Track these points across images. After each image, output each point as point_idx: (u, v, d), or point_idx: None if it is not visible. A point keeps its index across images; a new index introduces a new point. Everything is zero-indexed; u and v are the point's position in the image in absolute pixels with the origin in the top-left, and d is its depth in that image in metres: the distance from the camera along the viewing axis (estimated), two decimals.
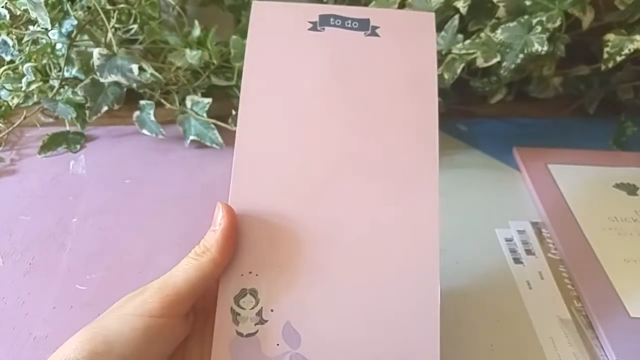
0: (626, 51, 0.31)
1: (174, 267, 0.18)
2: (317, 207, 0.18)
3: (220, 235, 0.18)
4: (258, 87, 0.20)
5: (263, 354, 0.17)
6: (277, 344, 0.17)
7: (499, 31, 0.31)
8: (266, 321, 0.17)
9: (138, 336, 0.15)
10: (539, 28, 0.30)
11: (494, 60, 0.32)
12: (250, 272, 0.18)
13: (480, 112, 0.40)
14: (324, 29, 0.20)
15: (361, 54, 0.20)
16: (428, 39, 0.20)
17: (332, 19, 0.20)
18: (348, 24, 0.20)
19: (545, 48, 0.30)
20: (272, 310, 0.18)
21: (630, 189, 0.32)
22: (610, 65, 0.31)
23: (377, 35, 0.20)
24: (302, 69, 0.20)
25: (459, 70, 0.33)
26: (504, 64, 0.31)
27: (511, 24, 0.31)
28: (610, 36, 0.32)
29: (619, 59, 0.31)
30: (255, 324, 0.17)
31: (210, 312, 0.18)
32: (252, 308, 0.18)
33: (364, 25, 0.20)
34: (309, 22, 0.20)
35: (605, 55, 0.31)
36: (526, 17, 0.31)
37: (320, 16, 0.20)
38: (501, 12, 0.32)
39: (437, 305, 0.18)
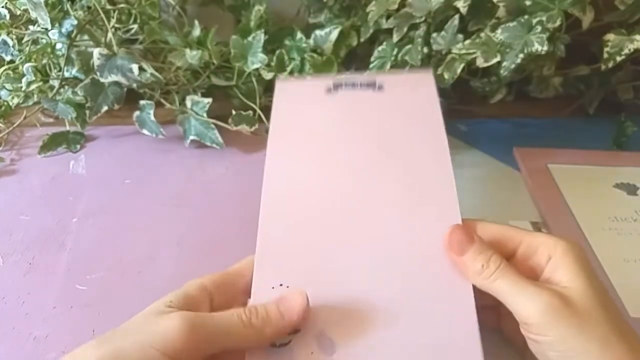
0: (626, 51, 0.31)
1: (219, 313, 0.17)
2: (346, 220, 0.20)
3: (284, 325, 0.17)
4: (283, 143, 0.22)
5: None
6: (312, 352, 0.17)
7: (499, 31, 0.31)
8: (299, 330, 0.18)
9: None
10: (539, 28, 0.30)
11: (494, 60, 0.32)
12: (281, 285, 0.18)
13: (480, 112, 0.40)
14: (337, 91, 0.24)
15: (371, 105, 0.23)
16: (430, 90, 0.23)
17: (344, 84, 0.24)
18: (357, 86, 0.24)
19: (545, 48, 0.30)
20: (304, 319, 0.18)
21: (630, 189, 0.32)
22: (610, 65, 0.31)
23: (383, 91, 0.24)
24: (322, 123, 0.23)
25: (458, 70, 0.33)
26: (504, 63, 0.31)
27: (511, 24, 0.31)
28: (610, 36, 0.32)
29: (619, 59, 0.31)
30: (289, 334, 0.17)
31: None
32: None
33: (371, 85, 0.24)
34: (325, 89, 0.24)
35: (605, 55, 0.31)
36: (526, 17, 0.31)
37: (334, 83, 0.24)
38: (501, 12, 0.32)
39: (473, 305, 0.18)
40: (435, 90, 0.23)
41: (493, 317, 0.21)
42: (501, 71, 0.32)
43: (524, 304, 0.17)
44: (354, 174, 0.21)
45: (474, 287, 0.19)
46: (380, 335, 0.17)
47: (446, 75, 0.33)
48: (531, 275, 0.18)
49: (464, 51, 0.32)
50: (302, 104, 0.24)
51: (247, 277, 0.19)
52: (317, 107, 0.23)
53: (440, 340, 0.17)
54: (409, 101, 0.23)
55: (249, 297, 0.18)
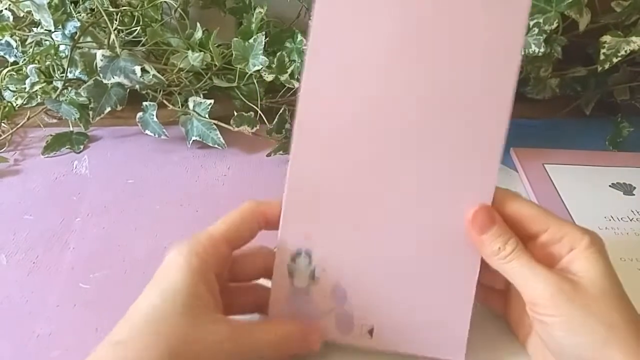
0: (622, 53, 0.31)
1: (260, 329, 0.18)
2: (374, 180, 0.19)
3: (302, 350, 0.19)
4: (324, 53, 0.18)
5: (313, 306, 0.19)
6: (326, 300, 0.19)
7: None
8: (318, 279, 0.19)
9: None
10: (536, 30, 0.31)
11: None
12: (307, 235, 0.19)
13: None
14: None
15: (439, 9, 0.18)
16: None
17: None
18: None
19: (542, 50, 0.30)
20: (324, 270, 0.19)
21: (627, 189, 0.32)
22: (607, 66, 0.32)
23: None
24: (372, 30, 0.18)
25: None
26: None
27: None
28: (607, 38, 0.32)
29: (615, 60, 0.31)
30: (308, 280, 0.19)
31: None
32: (307, 267, 0.19)
33: None
34: None
35: (602, 57, 0.32)
36: None
37: None
38: None
39: (475, 282, 0.19)
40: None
41: (501, 302, 0.21)
42: None
43: (534, 285, 0.17)
44: (398, 109, 0.18)
45: (482, 268, 0.20)
46: (386, 290, 0.19)
47: None
48: (548, 261, 0.18)
49: None
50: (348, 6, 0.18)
51: (238, 237, 0.19)
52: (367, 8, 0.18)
53: (435, 308, 0.19)
54: (488, 11, 0.17)
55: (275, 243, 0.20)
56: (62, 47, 0.36)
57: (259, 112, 0.36)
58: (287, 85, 0.37)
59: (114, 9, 0.36)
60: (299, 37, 0.38)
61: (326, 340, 0.20)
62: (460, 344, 0.19)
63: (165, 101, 0.37)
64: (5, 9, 0.36)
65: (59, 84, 0.36)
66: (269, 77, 0.36)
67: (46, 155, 0.36)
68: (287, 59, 0.36)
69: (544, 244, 0.19)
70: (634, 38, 0.31)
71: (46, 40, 0.36)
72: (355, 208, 0.19)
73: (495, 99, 0.18)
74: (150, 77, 0.34)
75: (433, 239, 0.19)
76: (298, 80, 0.36)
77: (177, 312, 0.16)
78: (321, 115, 0.19)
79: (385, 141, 0.19)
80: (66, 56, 0.35)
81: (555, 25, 0.31)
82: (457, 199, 0.19)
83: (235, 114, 0.36)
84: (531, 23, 0.31)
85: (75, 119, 0.36)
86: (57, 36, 0.36)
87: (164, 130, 0.36)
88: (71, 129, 0.37)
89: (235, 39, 0.36)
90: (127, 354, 0.15)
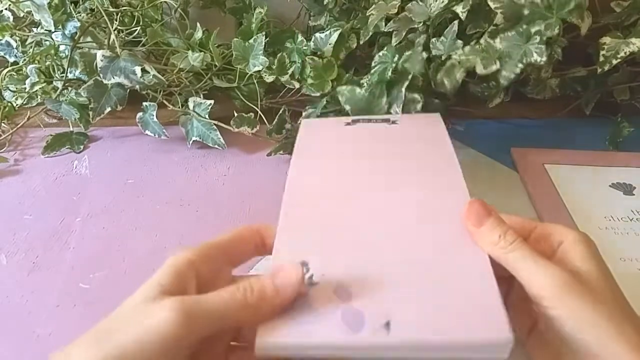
0: (622, 54, 0.31)
1: (212, 295, 0.16)
2: (363, 216, 0.20)
3: (280, 302, 0.16)
4: (305, 159, 0.25)
5: (314, 308, 0.17)
6: (329, 300, 0.17)
7: (497, 40, 0.32)
8: (317, 283, 0.18)
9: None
10: (538, 38, 0.30)
11: (493, 68, 0.32)
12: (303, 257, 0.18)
13: (477, 113, 0.40)
14: (355, 124, 0.27)
15: (386, 134, 0.26)
16: (440, 126, 0.26)
17: (361, 120, 0.28)
18: (373, 120, 0.28)
19: (545, 59, 0.30)
20: (323, 275, 0.18)
21: (626, 189, 0.32)
22: (606, 68, 0.32)
23: (397, 124, 0.27)
24: (340, 146, 0.25)
25: (458, 77, 0.33)
26: (504, 73, 0.31)
27: (510, 33, 0.31)
28: (607, 39, 0.32)
29: (614, 62, 0.31)
30: (307, 285, 0.17)
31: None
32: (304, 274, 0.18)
33: (385, 120, 0.28)
34: (345, 123, 0.27)
35: (601, 59, 0.32)
36: (525, 26, 0.31)
37: (352, 119, 0.28)
38: (499, 18, 0.32)
39: (489, 264, 0.18)
40: (444, 127, 0.26)
41: None
42: (501, 80, 0.32)
43: (538, 277, 0.17)
44: (370, 185, 0.22)
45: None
46: (396, 281, 0.17)
47: (446, 82, 0.34)
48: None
49: (463, 57, 0.33)
50: (323, 132, 0.27)
51: (233, 249, 0.19)
52: (337, 135, 0.26)
53: (457, 287, 0.17)
54: (421, 132, 0.26)
55: (234, 268, 0.19)
56: (62, 47, 0.36)
57: (259, 112, 0.36)
58: (287, 85, 0.37)
59: (114, 9, 0.36)
60: (299, 38, 0.38)
61: (337, 344, 0.16)
62: (499, 318, 0.15)
63: (165, 101, 0.37)
64: (6, 9, 0.36)
65: (59, 84, 0.36)
66: (269, 78, 0.36)
67: (46, 155, 0.36)
68: (287, 60, 0.36)
69: (533, 241, 0.19)
70: (633, 39, 0.31)
71: (46, 40, 0.36)
72: (345, 240, 0.19)
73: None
74: (150, 77, 0.34)
75: (437, 217, 0.20)
76: (298, 80, 0.36)
77: (131, 299, 0.16)
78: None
79: (362, 196, 0.22)
80: (66, 56, 0.35)
81: (556, 32, 0.30)
82: (441, 218, 0.20)
83: (236, 114, 0.36)
84: (532, 30, 0.31)
85: (75, 119, 0.36)
86: (57, 36, 0.36)
87: (164, 130, 0.36)
88: (71, 129, 0.37)
89: (235, 39, 0.36)
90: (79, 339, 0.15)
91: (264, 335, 0.16)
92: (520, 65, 0.31)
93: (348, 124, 0.27)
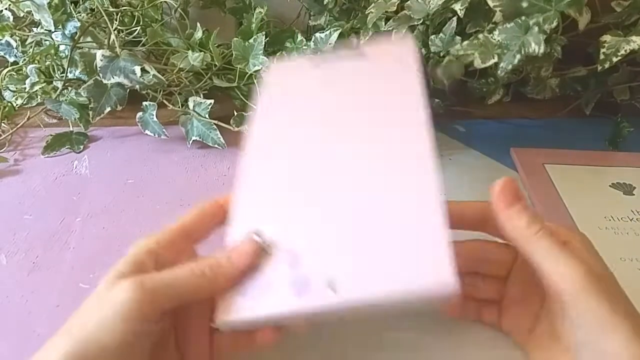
0: (622, 52, 0.31)
1: (168, 270, 0.17)
2: (320, 176, 0.20)
3: (236, 272, 0.17)
4: (270, 107, 0.23)
5: (262, 280, 0.17)
6: (276, 267, 0.17)
7: (496, 32, 0.32)
8: (270, 252, 0.18)
9: (118, 345, 0.15)
10: (536, 29, 0.31)
11: (491, 61, 0.32)
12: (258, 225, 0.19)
13: (477, 113, 0.40)
14: (323, 63, 0.25)
15: (354, 73, 0.24)
16: (409, 58, 0.23)
17: (329, 57, 0.25)
18: (342, 57, 0.25)
19: (542, 49, 0.30)
20: (275, 243, 0.18)
21: (627, 189, 0.32)
22: (607, 66, 0.32)
23: (366, 59, 0.24)
24: (306, 90, 0.24)
25: (455, 69, 0.33)
26: (501, 64, 0.31)
27: (508, 25, 0.31)
28: (607, 37, 0.32)
29: (615, 60, 0.31)
30: (262, 255, 0.18)
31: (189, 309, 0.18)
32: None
33: (355, 54, 0.25)
34: (312, 63, 0.25)
35: (602, 57, 0.32)
36: (523, 18, 0.31)
37: (320, 57, 0.25)
38: (498, 16, 0.32)
39: (439, 202, 0.17)
40: (415, 55, 0.23)
41: (494, 311, 0.21)
42: (498, 72, 0.32)
43: (562, 269, 0.16)
44: (328, 137, 0.21)
45: (473, 284, 0.20)
46: (342, 238, 0.17)
47: (444, 78, 0.34)
48: None
49: (461, 52, 0.33)
50: (289, 75, 0.25)
51: (195, 228, 0.19)
52: (303, 77, 0.24)
53: (400, 234, 0.17)
54: (389, 69, 0.23)
55: (197, 249, 0.20)
56: (62, 47, 0.36)
57: None
58: None
59: (114, 9, 0.36)
60: (299, 37, 0.38)
61: (286, 311, 0.16)
62: (444, 265, 0.15)
63: (165, 101, 0.37)
64: (5, 9, 0.36)
65: (59, 84, 0.36)
66: None
67: (46, 155, 0.36)
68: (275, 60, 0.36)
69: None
70: (634, 37, 0.31)
71: (46, 40, 0.36)
72: (289, 176, 0.20)
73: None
74: (150, 77, 0.34)
75: (378, 170, 0.19)
76: None
77: (97, 289, 0.16)
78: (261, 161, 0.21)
79: (322, 149, 0.21)
80: (66, 56, 0.35)
81: (555, 24, 0.31)
82: (402, 185, 0.18)
83: (235, 113, 0.36)
84: (531, 22, 0.31)
85: (75, 119, 0.36)
86: (57, 36, 0.36)
87: (164, 130, 0.36)
88: (71, 129, 0.37)
89: (235, 39, 0.36)
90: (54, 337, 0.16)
91: (221, 314, 0.17)
92: (518, 56, 0.31)
93: (316, 64, 0.25)
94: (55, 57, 0.37)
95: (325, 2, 0.40)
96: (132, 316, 0.15)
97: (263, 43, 0.35)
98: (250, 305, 0.17)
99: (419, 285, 0.15)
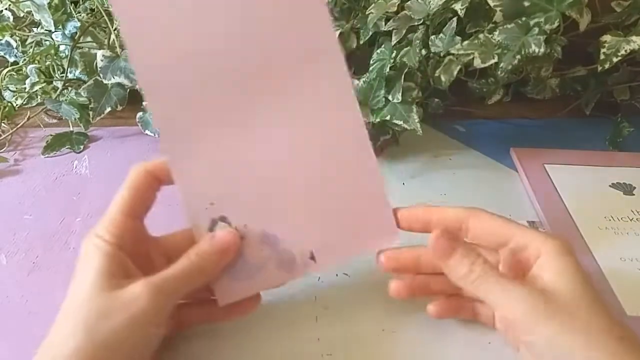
0: (622, 52, 0.31)
1: (174, 267, 0.18)
2: (243, 122, 0.19)
3: (222, 263, 0.19)
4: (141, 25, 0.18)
5: (253, 264, 0.19)
6: (261, 250, 0.20)
7: (496, 32, 0.32)
8: (244, 237, 0.19)
9: (131, 349, 0.16)
10: (537, 29, 0.31)
11: (491, 62, 0.32)
12: (212, 203, 0.19)
13: (477, 113, 0.40)
14: None
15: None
16: None
17: None
18: None
19: (542, 49, 0.30)
20: (245, 226, 0.19)
21: (627, 189, 0.32)
22: (607, 66, 0.32)
23: None
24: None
25: (455, 72, 0.33)
26: (501, 65, 0.31)
27: (509, 25, 0.32)
28: (607, 37, 0.32)
29: (615, 60, 0.31)
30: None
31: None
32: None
33: None
34: None
35: (602, 57, 0.32)
36: (524, 18, 0.31)
37: None
38: (498, 16, 0.32)
39: (375, 162, 0.20)
40: None
41: (488, 310, 0.21)
42: (498, 72, 0.32)
43: (509, 306, 0.17)
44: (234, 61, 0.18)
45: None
46: (308, 213, 0.20)
47: (443, 78, 0.34)
48: (519, 270, 0.19)
49: (462, 52, 0.33)
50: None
51: (137, 206, 0.20)
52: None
53: (351, 205, 0.20)
54: None
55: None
56: (62, 47, 0.36)
57: None
58: None
59: None
60: None
61: (279, 284, 0.20)
62: (388, 223, 0.20)
63: None
64: (6, 9, 0.36)
65: (59, 84, 0.36)
66: None
67: (46, 155, 0.36)
68: None
69: (511, 252, 0.19)
70: (634, 37, 0.31)
71: (46, 40, 0.36)
72: (240, 159, 0.19)
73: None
74: None
75: (324, 155, 0.20)
76: None
77: (93, 293, 0.17)
78: (165, 93, 0.18)
79: (232, 85, 0.19)
80: (66, 56, 0.35)
81: (556, 24, 0.31)
82: (324, 112, 0.19)
83: None
84: (531, 23, 0.31)
85: (75, 119, 0.36)
86: (57, 36, 0.36)
87: None
88: (71, 129, 0.37)
89: None
90: (52, 338, 0.17)
91: (222, 297, 0.19)
92: (518, 56, 0.31)
93: None
94: (55, 57, 0.37)
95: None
96: (152, 321, 0.17)
97: None
98: (247, 286, 0.20)
99: (372, 243, 0.20)
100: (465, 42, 0.33)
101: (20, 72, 0.38)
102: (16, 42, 0.37)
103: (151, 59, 0.18)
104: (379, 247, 0.21)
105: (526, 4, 0.31)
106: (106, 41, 0.35)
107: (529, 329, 0.16)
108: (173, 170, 0.20)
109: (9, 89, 0.38)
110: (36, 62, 0.37)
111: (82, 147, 0.37)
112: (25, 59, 0.37)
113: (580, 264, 0.18)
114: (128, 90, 0.36)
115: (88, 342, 0.16)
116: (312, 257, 0.20)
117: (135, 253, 0.19)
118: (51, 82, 0.37)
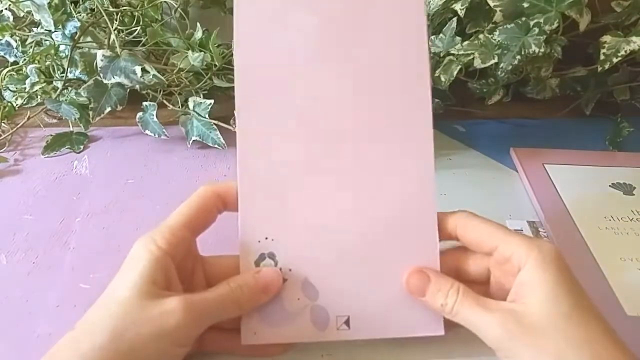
0: (622, 53, 0.31)
1: (211, 292, 0.18)
2: (321, 171, 0.20)
3: (261, 299, 0.19)
4: (252, 61, 0.20)
5: (286, 310, 0.19)
6: (298, 299, 0.19)
7: (496, 32, 0.32)
8: (286, 280, 0.19)
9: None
10: (537, 30, 0.31)
11: (491, 62, 0.32)
12: (267, 238, 0.19)
13: (477, 113, 0.40)
14: None
15: (353, 12, 0.20)
16: None
17: None
18: None
19: (542, 49, 0.30)
20: (290, 270, 0.19)
21: (627, 189, 0.32)
22: (607, 66, 0.32)
23: None
24: (292, 34, 0.20)
25: (455, 72, 0.33)
26: (501, 65, 0.32)
27: (509, 26, 0.32)
28: (607, 38, 0.32)
29: (615, 60, 0.32)
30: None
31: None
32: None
33: None
34: None
35: (602, 57, 0.32)
36: (524, 18, 0.31)
37: None
38: (498, 16, 0.32)
39: (435, 239, 0.19)
40: None
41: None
42: (498, 72, 0.32)
43: (485, 332, 0.17)
44: (328, 102, 0.19)
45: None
46: (356, 279, 0.19)
47: (443, 78, 0.34)
48: (505, 284, 0.19)
49: (462, 52, 0.33)
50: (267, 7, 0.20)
51: (198, 222, 0.20)
52: (287, 14, 0.20)
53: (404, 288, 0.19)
54: (391, 6, 0.19)
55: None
56: (62, 47, 0.36)
57: None
58: None
59: (114, 9, 0.36)
60: None
61: (306, 340, 0.19)
62: (437, 317, 0.19)
63: (165, 101, 0.37)
64: (5, 9, 0.36)
65: (59, 84, 0.36)
66: None
67: (46, 155, 0.36)
68: None
69: (497, 262, 0.19)
70: (634, 38, 0.31)
71: (46, 40, 0.36)
72: (308, 203, 0.20)
73: (414, 79, 0.19)
74: (151, 77, 0.34)
75: (388, 221, 0.19)
76: None
77: (130, 296, 0.17)
78: (259, 122, 0.20)
79: (323, 136, 0.20)
80: (66, 56, 0.35)
81: (555, 25, 0.31)
82: (400, 178, 0.19)
83: (236, 114, 0.36)
84: (531, 23, 0.31)
85: (75, 119, 0.36)
86: (57, 36, 0.36)
87: (164, 130, 0.36)
88: (71, 129, 0.37)
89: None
90: (78, 333, 0.17)
91: (247, 336, 0.19)
92: (518, 57, 0.31)
93: None
94: (55, 57, 0.36)
95: None
96: (181, 335, 0.17)
97: None
98: (275, 332, 0.19)
99: (413, 331, 0.19)
100: (465, 42, 0.33)
101: (20, 72, 0.38)
102: (16, 42, 0.37)
103: (255, 94, 0.20)
104: (418, 335, 0.19)
105: (525, 4, 0.31)
106: (106, 41, 0.35)
107: (507, 352, 0.17)
108: (241, 196, 0.20)
109: (9, 89, 0.38)
110: (36, 62, 0.37)
111: (82, 147, 0.37)
112: (25, 59, 0.37)
113: (565, 273, 0.18)
114: (128, 90, 0.35)
115: (112, 347, 0.16)
116: (347, 323, 0.19)
117: (181, 267, 0.19)
118: (51, 82, 0.37)
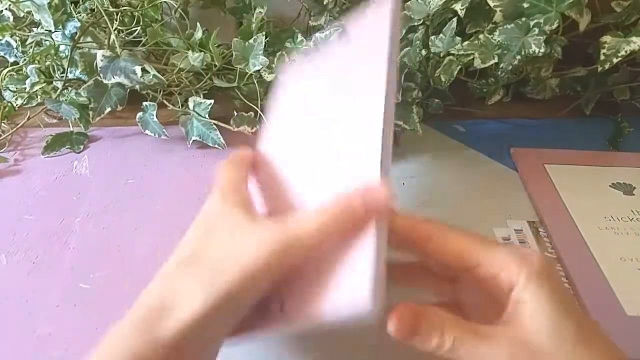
0: (622, 53, 0.31)
1: (302, 218, 0.17)
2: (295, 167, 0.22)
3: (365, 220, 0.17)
4: (276, 108, 0.26)
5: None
6: (280, 310, 0.19)
7: (496, 33, 0.32)
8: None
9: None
10: (536, 30, 0.31)
11: (492, 62, 0.32)
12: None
13: (477, 114, 0.40)
14: (316, 54, 0.25)
15: (335, 55, 0.23)
16: (384, 19, 0.20)
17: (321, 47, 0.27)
18: (331, 39, 0.27)
19: (542, 50, 0.30)
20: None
21: (627, 189, 0.32)
22: (607, 66, 0.32)
23: (348, 36, 0.23)
24: (300, 87, 0.26)
25: (455, 72, 0.33)
26: (501, 65, 0.32)
27: (509, 26, 0.32)
28: (607, 38, 0.32)
29: (615, 60, 0.32)
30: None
31: None
32: None
33: (340, 35, 0.25)
34: (308, 58, 0.26)
35: (602, 57, 0.32)
36: (524, 19, 0.31)
37: (314, 49, 0.27)
38: (498, 16, 0.32)
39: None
40: (391, 16, 0.19)
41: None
42: (498, 72, 0.32)
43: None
44: (308, 129, 0.23)
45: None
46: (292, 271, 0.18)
47: (443, 78, 0.34)
48: (490, 300, 0.18)
49: (462, 52, 0.33)
50: (293, 76, 0.27)
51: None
52: (301, 74, 0.26)
53: (333, 267, 0.17)
54: (362, 40, 0.21)
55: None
56: (62, 47, 0.36)
57: (259, 112, 0.36)
58: None
59: (114, 9, 0.36)
60: (299, 37, 0.38)
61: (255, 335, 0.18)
62: (365, 293, 0.16)
63: (165, 101, 0.37)
64: (6, 9, 0.36)
65: (59, 84, 0.36)
66: (269, 77, 0.36)
67: (46, 155, 0.36)
68: (287, 59, 0.36)
69: (483, 278, 0.18)
70: (634, 38, 0.31)
71: (46, 40, 0.36)
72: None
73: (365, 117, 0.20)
74: (151, 77, 0.34)
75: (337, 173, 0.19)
76: None
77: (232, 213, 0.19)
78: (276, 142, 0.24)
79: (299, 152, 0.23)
80: (66, 56, 0.35)
81: (555, 25, 0.31)
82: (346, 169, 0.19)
83: (235, 114, 0.36)
84: (531, 23, 0.31)
85: (75, 119, 0.36)
86: (57, 36, 0.36)
87: (164, 130, 0.36)
88: (71, 129, 0.37)
89: (235, 39, 0.36)
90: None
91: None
92: (518, 57, 0.31)
93: (311, 57, 0.25)
94: (55, 57, 0.36)
95: (325, 2, 0.40)
96: (271, 270, 0.16)
97: (263, 43, 0.35)
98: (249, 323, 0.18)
99: (341, 313, 0.16)
100: (465, 43, 0.33)
101: (20, 72, 0.38)
102: (16, 42, 0.37)
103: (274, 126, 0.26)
104: (348, 316, 0.16)
105: (525, 5, 0.31)
106: (106, 41, 0.35)
107: None
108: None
109: (9, 89, 0.38)
110: (36, 62, 0.37)
111: (82, 147, 0.37)
112: (25, 59, 0.37)
113: (559, 286, 0.17)
114: (128, 90, 0.35)
115: (210, 294, 0.16)
116: (282, 307, 0.18)
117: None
118: (51, 82, 0.37)
